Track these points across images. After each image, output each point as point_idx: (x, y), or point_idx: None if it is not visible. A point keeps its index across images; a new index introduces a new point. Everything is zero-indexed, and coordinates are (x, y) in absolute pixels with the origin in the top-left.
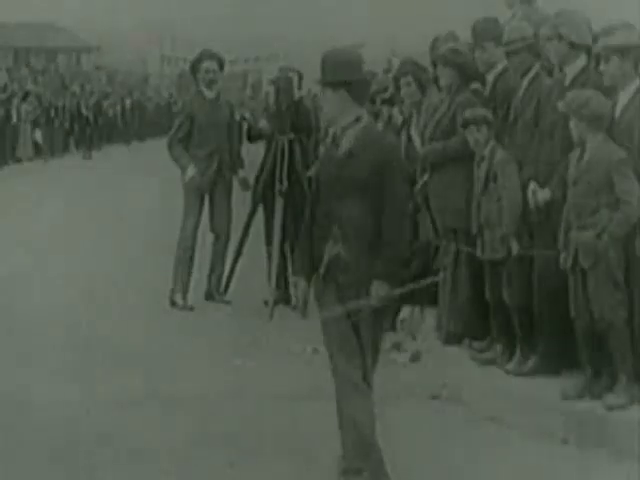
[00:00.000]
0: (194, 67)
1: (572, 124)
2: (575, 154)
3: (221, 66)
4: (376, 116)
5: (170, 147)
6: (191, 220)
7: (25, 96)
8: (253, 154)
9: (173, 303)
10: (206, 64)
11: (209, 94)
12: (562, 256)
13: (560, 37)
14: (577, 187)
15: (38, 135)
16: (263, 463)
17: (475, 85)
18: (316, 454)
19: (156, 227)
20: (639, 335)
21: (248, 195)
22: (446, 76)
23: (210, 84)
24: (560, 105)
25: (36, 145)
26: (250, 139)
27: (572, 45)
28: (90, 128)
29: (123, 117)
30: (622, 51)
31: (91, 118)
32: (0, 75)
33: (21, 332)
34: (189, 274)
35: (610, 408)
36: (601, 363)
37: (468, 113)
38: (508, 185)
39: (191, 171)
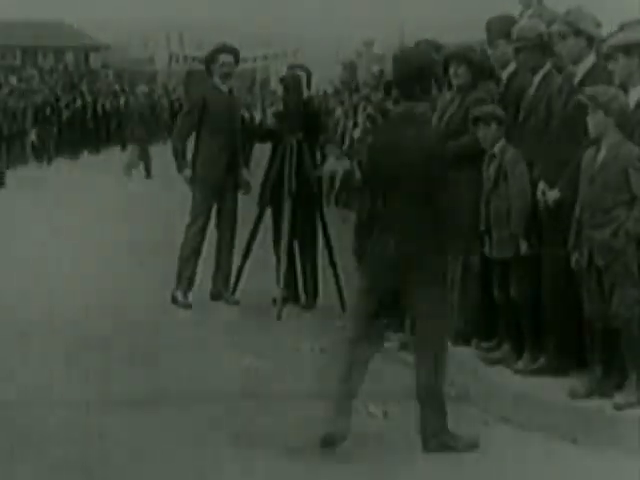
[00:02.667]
0: (210, 59)
1: (593, 118)
2: (590, 153)
3: (237, 60)
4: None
5: (174, 138)
6: (200, 218)
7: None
8: (257, 155)
9: (174, 300)
10: (223, 57)
11: (224, 87)
12: (574, 256)
13: (578, 32)
14: (593, 185)
15: (33, 136)
16: (270, 463)
17: (486, 84)
18: (323, 454)
19: (158, 226)
20: None
21: (255, 195)
22: (460, 74)
23: (225, 77)
24: (584, 97)
25: (33, 146)
26: (259, 139)
27: (590, 40)
28: (100, 127)
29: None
30: (627, 49)
31: (100, 116)
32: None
33: (22, 331)
34: (194, 272)
35: (619, 407)
36: (612, 362)
37: (477, 111)
38: (518, 184)
39: (187, 172)
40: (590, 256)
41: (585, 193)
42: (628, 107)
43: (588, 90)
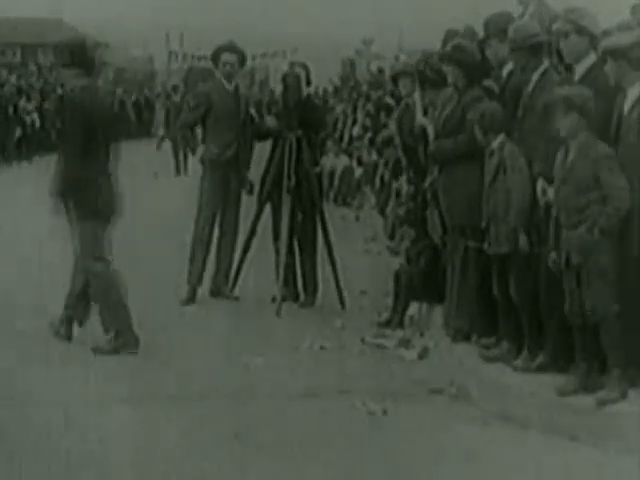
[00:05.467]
0: (214, 57)
1: (566, 119)
2: (561, 154)
3: (241, 60)
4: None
5: (181, 126)
6: (206, 212)
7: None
8: (257, 154)
9: (190, 297)
10: (225, 56)
11: (228, 86)
12: (551, 255)
13: (581, 31)
14: (565, 186)
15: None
16: (270, 461)
17: (487, 82)
18: (322, 452)
19: (166, 225)
20: (631, 330)
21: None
22: (451, 74)
23: (227, 76)
24: (556, 97)
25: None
26: (257, 137)
27: (592, 38)
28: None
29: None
30: (614, 53)
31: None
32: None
33: (25, 329)
34: (202, 270)
35: (602, 403)
36: (592, 358)
37: (467, 115)
38: (517, 177)
39: (201, 149)
40: (568, 255)
41: (559, 194)
42: (604, 108)
43: (562, 90)
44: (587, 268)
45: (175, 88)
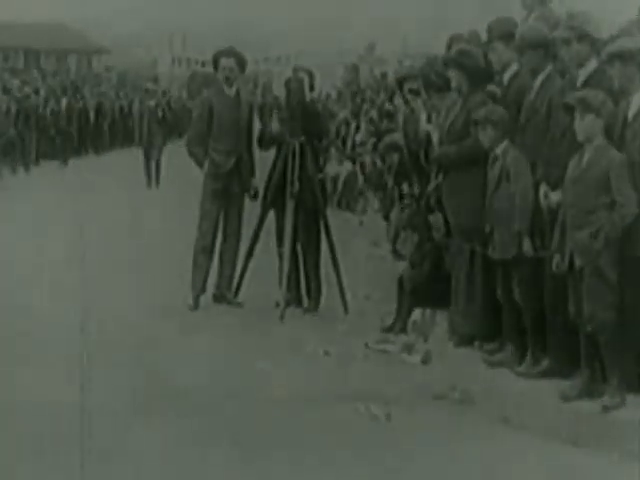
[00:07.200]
0: (214, 62)
1: (583, 121)
2: (575, 158)
3: (241, 65)
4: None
5: (189, 143)
6: (208, 221)
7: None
8: (260, 160)
9: (195, 304)
10: (223, 61)
11: (229, 91)
12: (555, 258)
13: (582, 37)
14: (576, 187)
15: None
16: (273, 466)
17: (491, 87)
18: (325, 457)
19: (170, 231)
20: (630, 336)
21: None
22: (455, 78)
23: (226, 81)
24: (573, 100)
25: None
26: (262, 145)
27: (594, 43)
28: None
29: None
30: (622, 56)
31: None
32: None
33: (34, 332)
34: (206, 275)
35: (607, 408)
36: (595, 364)
37: (475, 114)
38: (520, 183)
39: (207, 163)
40: (571, 258)
41: (569, 194)
42: (616, 112)
43: (578, 93)
44: (588, 272)
45: (149, 90)
